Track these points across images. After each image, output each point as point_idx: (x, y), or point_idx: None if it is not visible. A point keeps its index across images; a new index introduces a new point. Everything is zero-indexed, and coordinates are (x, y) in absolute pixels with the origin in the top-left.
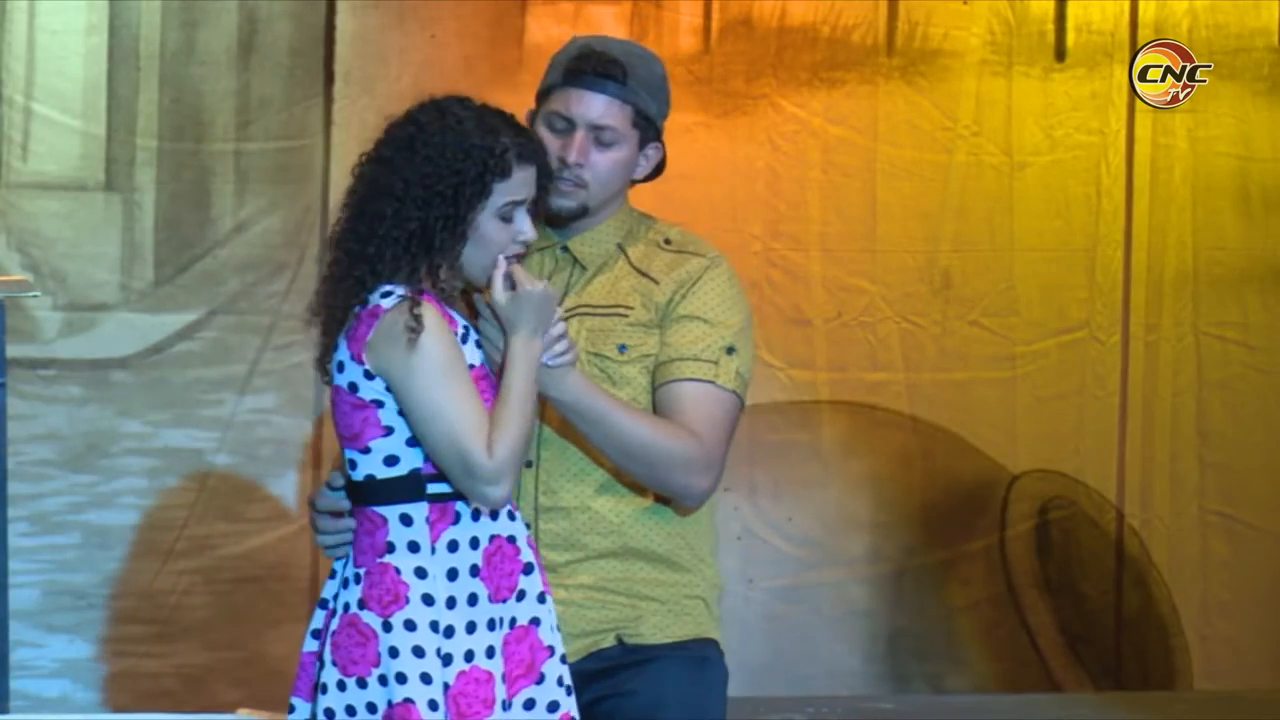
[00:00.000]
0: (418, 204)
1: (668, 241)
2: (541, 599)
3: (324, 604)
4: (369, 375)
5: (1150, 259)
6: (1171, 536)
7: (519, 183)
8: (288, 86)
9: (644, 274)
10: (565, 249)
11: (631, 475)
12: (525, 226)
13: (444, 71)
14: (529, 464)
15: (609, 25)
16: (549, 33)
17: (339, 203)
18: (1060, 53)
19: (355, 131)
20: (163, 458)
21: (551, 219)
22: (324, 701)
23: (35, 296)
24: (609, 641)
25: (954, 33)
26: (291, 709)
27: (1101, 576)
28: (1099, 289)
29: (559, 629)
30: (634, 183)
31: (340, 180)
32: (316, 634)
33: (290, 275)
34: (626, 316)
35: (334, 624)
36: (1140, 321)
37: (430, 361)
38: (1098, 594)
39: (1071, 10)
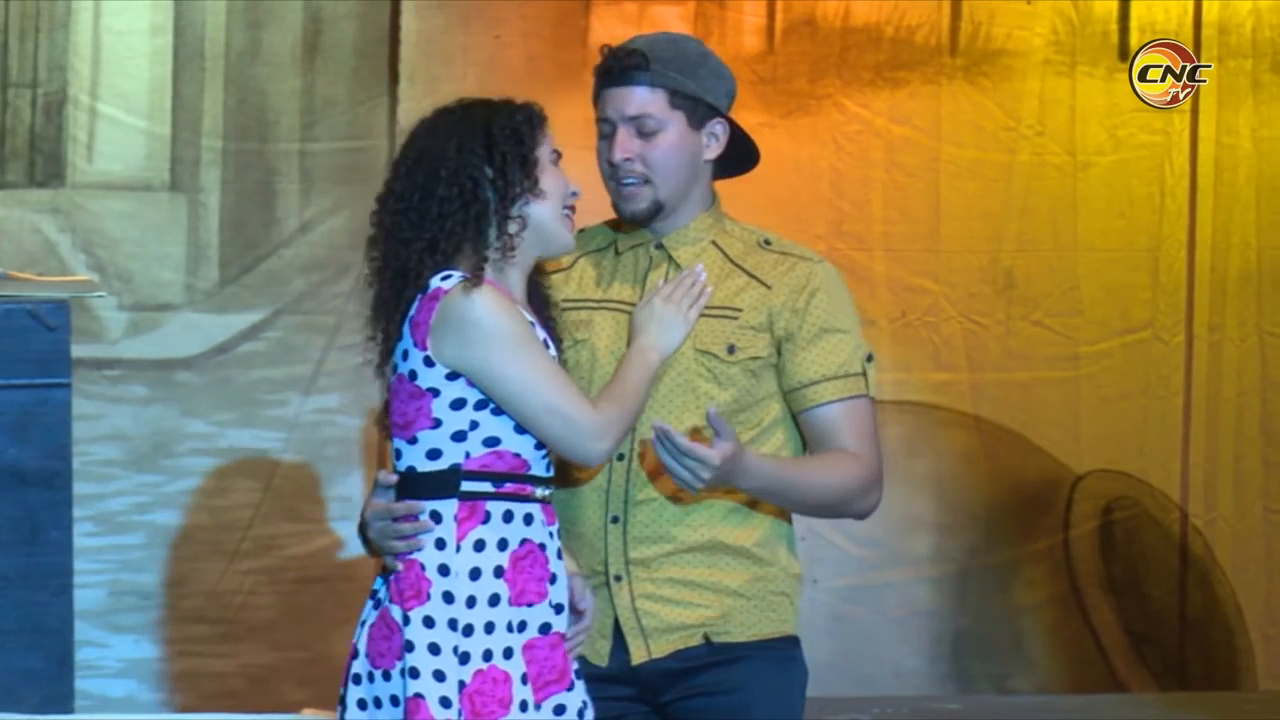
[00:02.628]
0: (468, 183)
1: (767, 242)
2: None
3: (373, 596)
4: (429, 362)
5: (1214, 259)
6: (1236, 536)
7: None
8: (352, 87)
9: (752, 275)
10: (660, 246)
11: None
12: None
13: (508, 72)
14: (620, 457)
15: (673, 25)
16: (613, 33)
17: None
18: (1124, 53)
19: None
20: (228, 458)
21: (632, 223)
22: (356, 692)
23: (101, 297)
24: (696, 640)
25: (1017, 33)
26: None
27: (1166, 576)
28: (1163, 289)
29: (640, 624)
30: (716, 171)
31: None
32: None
33: (355, 275)
34: (736, 319)
35: (372, 617)
36: (1204, 322)
37: (504, 337)
38: (1162, 594)
39: (1135, 10)
